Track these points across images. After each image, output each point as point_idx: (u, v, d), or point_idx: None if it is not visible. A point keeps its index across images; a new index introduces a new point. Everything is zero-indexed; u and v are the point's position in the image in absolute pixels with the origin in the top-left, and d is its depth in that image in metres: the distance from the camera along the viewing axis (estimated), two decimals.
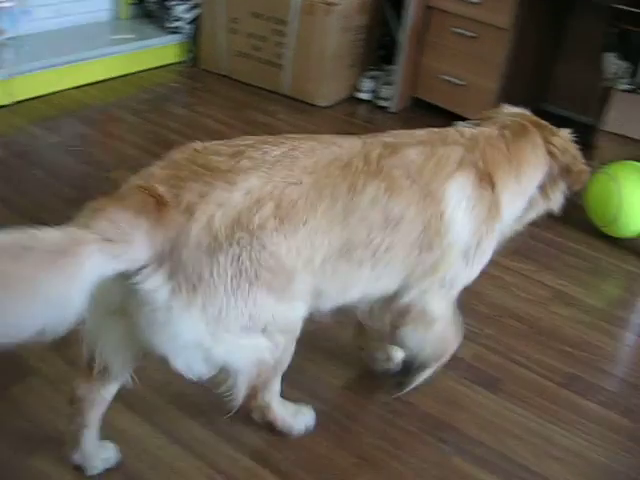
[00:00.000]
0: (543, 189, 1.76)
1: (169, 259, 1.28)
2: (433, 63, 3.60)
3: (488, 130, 1.70)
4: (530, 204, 1.77)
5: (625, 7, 2.82)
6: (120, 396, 1.51)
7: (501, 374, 1.97)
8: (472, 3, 3.31)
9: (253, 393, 1.56)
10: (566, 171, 1.75)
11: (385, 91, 3.69)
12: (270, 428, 1.67)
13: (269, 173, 1.38)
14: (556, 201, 1.80)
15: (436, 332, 1.71)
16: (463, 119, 3.41)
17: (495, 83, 3.42)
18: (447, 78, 3.53)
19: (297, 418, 1.69)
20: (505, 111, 1.81)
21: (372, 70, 3.81)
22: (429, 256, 1.57)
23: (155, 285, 1.28)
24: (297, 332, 1.52)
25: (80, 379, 1.49)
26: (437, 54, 3.57)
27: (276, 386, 1.61)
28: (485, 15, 3.32)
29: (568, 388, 1.95)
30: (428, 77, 3.64)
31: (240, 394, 1.50)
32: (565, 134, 1.78)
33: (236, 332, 1.39)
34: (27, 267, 1.15)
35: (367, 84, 3.75)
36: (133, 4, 4.05)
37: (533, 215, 1.82)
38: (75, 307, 1.19)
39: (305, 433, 1.69)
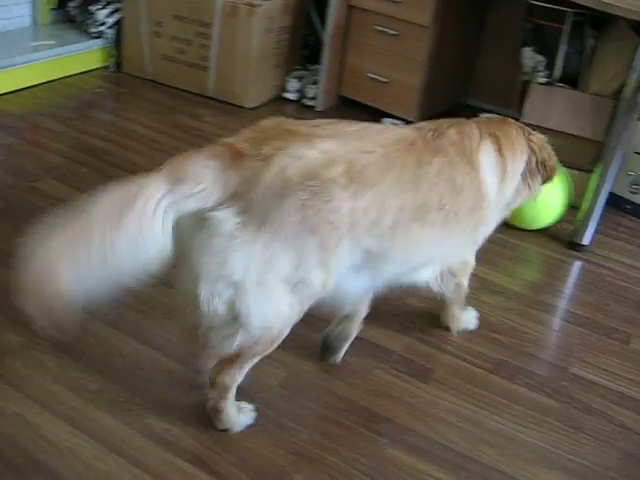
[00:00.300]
0: (525, 178, 1.99)
1: (242, 199, 1.42)
2: (357, 61, 3.65)
3: (479, 119, 1.97)
4: (517, 190, 1.99)
5: (538, 2, 2.90)
6: (57, 410, 1.50)
7: (432, 364, 2.02)
8: (393, 2, 3.36)
9: (231, 362, 1.60)
10: (542, 165, 2.00)
11: (311, 90, 3.72)
12: (212, 420, 1.69)
13: (345, 141, 1.55)
14: (535, 191, 2.05)
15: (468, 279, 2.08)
16: (389, 116, 3.52)
17: (419, 79, 3.49)
18: (371, 76, 3.58)
19: (240, 415, 1.72)
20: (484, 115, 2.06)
21: (298, 70, 3.84)
22: (477, 217, 1.83)
23: (225, 217, 1.42)
24: (305, 309, 1.60)
25: None
26: (361, 53, 3.62)
27: (246, 370, 1.65)
28: (406, 13, 3.38)
29: (497, 374, 2.01)
30: (353, 75, 3.69)
31: (228, 352, 1.57)
32: (540, 135, 2.04)
33: (277, 282, 1.49)
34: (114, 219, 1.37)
35: (293, 84, 3.77)
36: (54, 10, 3.98)
37: (519, 201, 2.06)
38: (159, 246, 1.39)
39: (242, 432, 1.70)
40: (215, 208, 1.42)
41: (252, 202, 1.42)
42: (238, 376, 1.64)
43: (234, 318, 1.51)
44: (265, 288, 1.48)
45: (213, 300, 1.47)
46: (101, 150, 2.98)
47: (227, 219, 1.42)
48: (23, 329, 1.90)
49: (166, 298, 2.12)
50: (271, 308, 1.53)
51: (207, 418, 1.69)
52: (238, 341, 1.55)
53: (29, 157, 2.89)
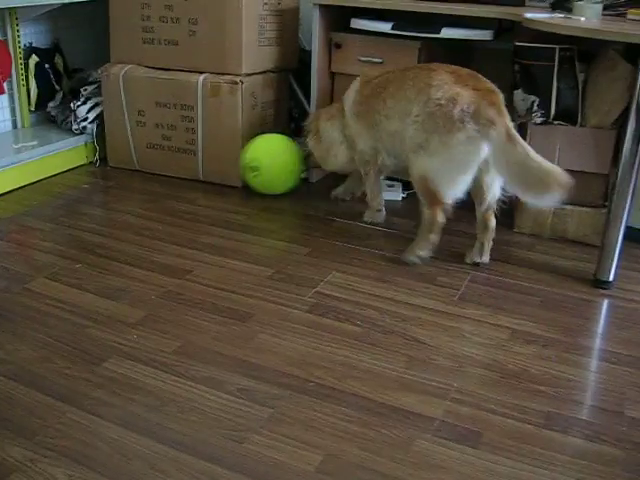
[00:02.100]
0: None
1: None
2: None
3: None
4: None
5: (523, 43, 2.86)
6: None
7: (478, 426, 1.85)
8: (375, 62, 3.32)
9: None
10: None
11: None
12: None
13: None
14: None
15: None
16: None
17: None
18: None
19: None
20: None
21: None
22: None
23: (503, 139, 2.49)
24: None
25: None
26: None
27: None
28: None
29: (550, 428, 1.84)
30: None
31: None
32: None
33: None
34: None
35: None
36: (34, 112, 3.94)
37: None
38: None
39: None
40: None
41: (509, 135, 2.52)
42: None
43: None
44: None
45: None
46: (94, 244, 2.86)
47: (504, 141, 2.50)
48: (27, 442, 1.74)
49: (181, 390, 1.96)
50: None
51: None
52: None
53: (20, 259, 2.77)
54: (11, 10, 3.81)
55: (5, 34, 3.88)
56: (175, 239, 2.93)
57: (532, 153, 2.46)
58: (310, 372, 2.06)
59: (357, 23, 3.39)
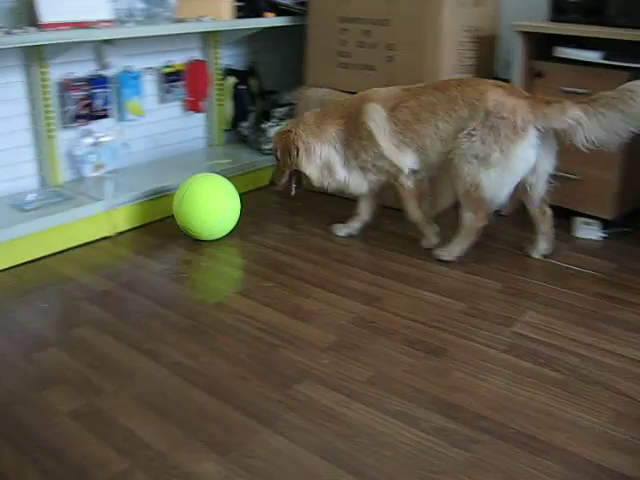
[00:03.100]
0: None
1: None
2: None
3: None
4: None
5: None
6: None
7: None
8: (578, 94, 3.14)
9: None
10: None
11: None
12: None
13: None
14: None
15: None
16: (581, 215, 3.20)
17: (613, 174, 3.19)
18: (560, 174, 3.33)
19: None
20: None
21: None
22: None
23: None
24: None
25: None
26: None
27: None
28: None
29: None
30: None
31: None
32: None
33: None
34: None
35: None
36: (227, 131, 4.08)
37: None
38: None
39: None
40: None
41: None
42: None
43: None
44: None
45: None
46: (284, 264, 2.87)
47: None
48: (221, 458, 1.74)
49: (374, 422, 1.89)
50: None
51: None
52: None
53: (212, 273, 2.83)
54: (213, 34, 3.97)
55: (206, 56, 4.05)
56: (362, 264, 2.89)
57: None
58: (510, 417, 1.93)
59: (562, 52, 3.23)
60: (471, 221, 2.81)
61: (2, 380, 2.11)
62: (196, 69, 3.92)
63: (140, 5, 3.58)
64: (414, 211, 3.00)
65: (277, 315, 2.47)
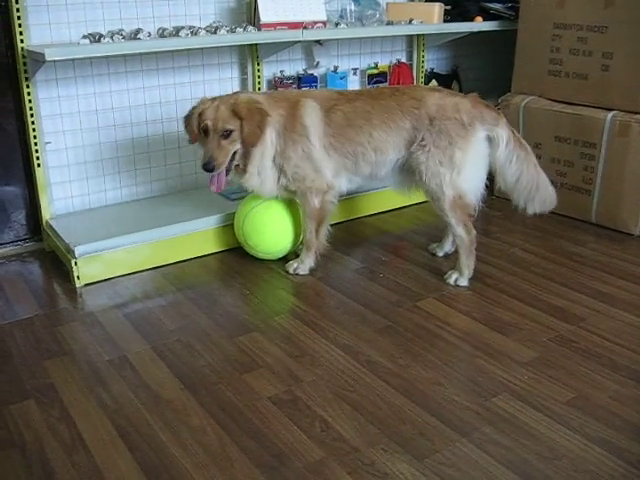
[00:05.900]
0: None
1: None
2: None
3: None
4: None
5: None
6: None
7: None
8: None
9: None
10: None
11: None
12: None
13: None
14: None
15: None
16: None
17: None
18: None
19: None
20: None
21: None
22: None
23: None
24: None
25: None
26: None
27: None
28: None
29: None
30: None
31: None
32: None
33: None
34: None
35: None
36: None
37: None
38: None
39: None
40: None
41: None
42: None
43: None
44: None
45: None
46: (481, 272, 2.81)
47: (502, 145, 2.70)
48: (416, 461, 1.73)
49: (574, 447, 1.81)
50: None
51: None
52: None
53: (408, 275, 2.83)
54: (420, 37, 3.98)
55: (411, 59, 4.07)
56: (564, 280, 2.77)
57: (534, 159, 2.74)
58: None
59: None
60: (466, 233, 2.72)
61: (209, 359, 2.23)
62: (400, 71, 3.95)
63: (352, 7, 3.66)
64: (310, 234, 2.82)
65: (474, 324, 2.42)
